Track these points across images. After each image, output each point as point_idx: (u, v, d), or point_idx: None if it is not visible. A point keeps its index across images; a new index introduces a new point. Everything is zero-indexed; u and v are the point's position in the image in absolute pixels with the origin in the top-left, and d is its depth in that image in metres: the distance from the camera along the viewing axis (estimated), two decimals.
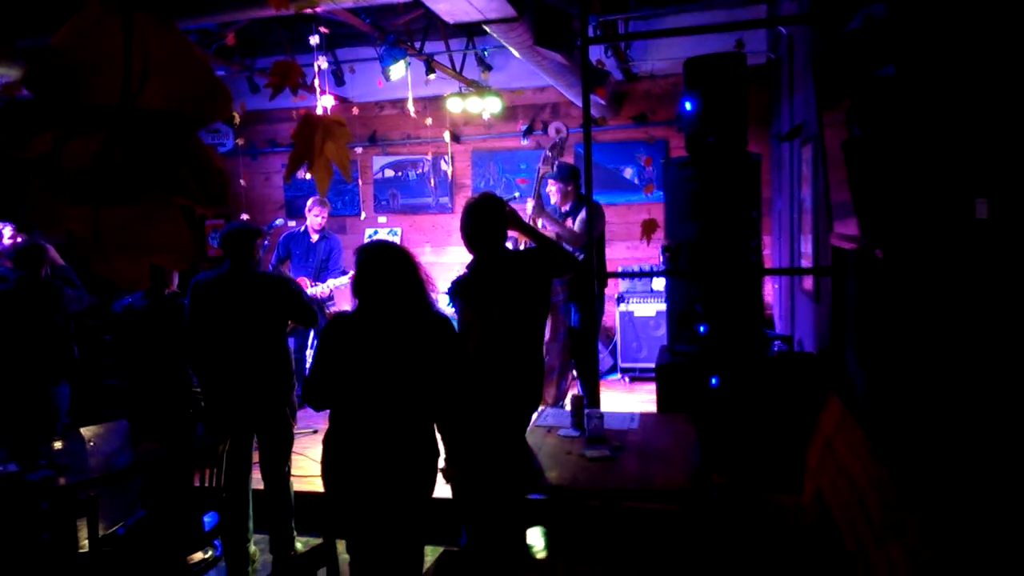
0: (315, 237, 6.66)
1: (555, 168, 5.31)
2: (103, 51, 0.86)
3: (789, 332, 6.27)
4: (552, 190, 5.43)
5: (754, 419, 4.26)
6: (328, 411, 2.99)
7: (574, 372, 5.63)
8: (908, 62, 2.56)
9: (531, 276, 3.46)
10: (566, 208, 5.44)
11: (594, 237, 4.99)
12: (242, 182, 8.18)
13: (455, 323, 3.44)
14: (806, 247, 5.07)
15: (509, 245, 3.61)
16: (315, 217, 6.62)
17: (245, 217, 7.56)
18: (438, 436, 3.10)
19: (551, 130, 5.48)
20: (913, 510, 2.31)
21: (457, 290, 3.41)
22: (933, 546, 2.08)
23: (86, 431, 4.22)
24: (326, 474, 2.95)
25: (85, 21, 0.88)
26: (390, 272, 2.90)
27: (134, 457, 3.82)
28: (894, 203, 2.60)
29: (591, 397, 4.78)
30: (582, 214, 5.23)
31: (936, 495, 2.27)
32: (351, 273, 6.37)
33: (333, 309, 6.52)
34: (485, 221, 3.40)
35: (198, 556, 3.86)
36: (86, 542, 3.25)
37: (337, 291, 6.57)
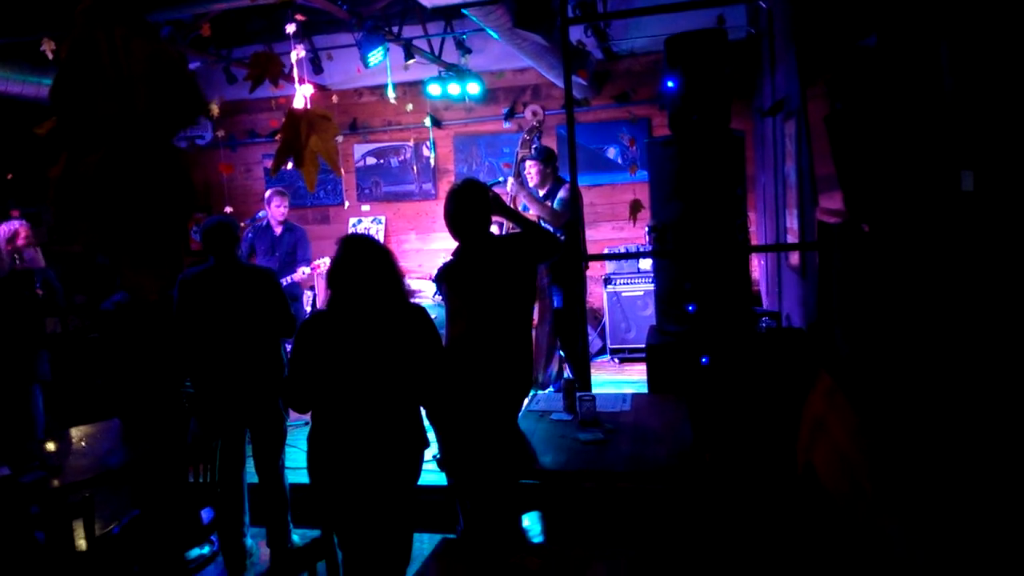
0: (279, 230, 6.43)
1: (533, 151, 5.42)
2: (97, 64, 0.85)
3: (777, 308, 6.29)
4: (532, 172, 5.50)
5: (745, 396, 4.28)
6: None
7: (561, 354, 5.66)
8: (890, 31, 2.55)
9: (516, 261, 3.45)
10: (544, 191, 5.53)
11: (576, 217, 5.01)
12: (223, 174, 8.09)
13: (440, 311, 3.43)
14: (791, 222, 5.08)
15: (495, 230, 3.60)
16: (276, 208, 6.38)
17: (229, 210, 7.47)
18: (428, 425, 3.10)
19: (527, 113, 5.47)
20: (904, 485, 2.33)
21: (443, 276, 3.41)
22: (925, 520, 2.10)
23: (78, 431, 4.18)
24: (313, 470, 2.95)
25: (77, 39, 0.87)
26: (368, 265, 2.89)
27: (127, 456, 3.79)
28: (879, 176, 2.60)
29: (581, 379, 4.79)
30: (561, 194, 5.38)
31: (925, 469, 2.29)
32: (310, 266, 6.21)
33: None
34: (468, 207, 3.39)
35: (196, 552, 3.86)
36: (82, 542, 3.23)
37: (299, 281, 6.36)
